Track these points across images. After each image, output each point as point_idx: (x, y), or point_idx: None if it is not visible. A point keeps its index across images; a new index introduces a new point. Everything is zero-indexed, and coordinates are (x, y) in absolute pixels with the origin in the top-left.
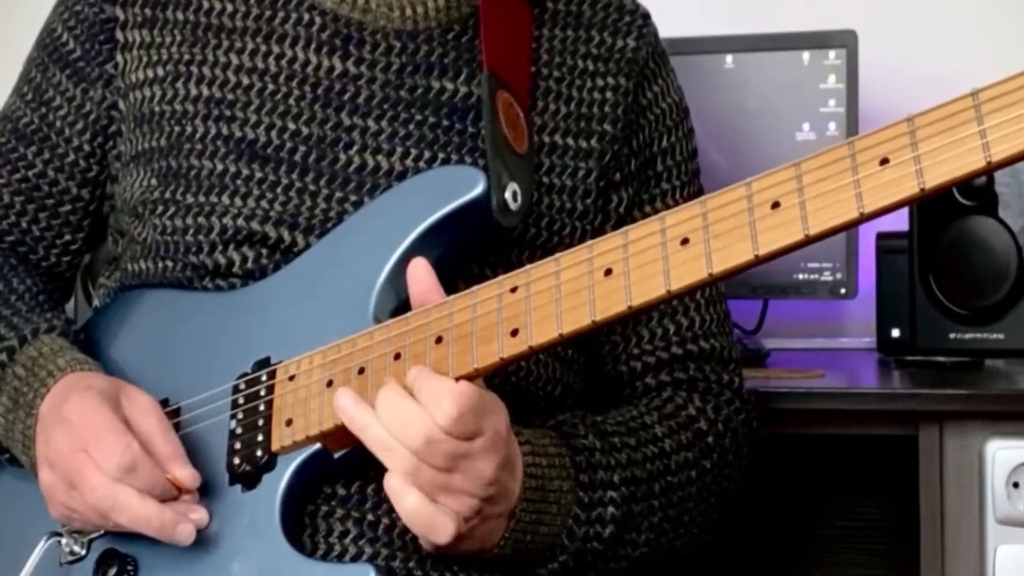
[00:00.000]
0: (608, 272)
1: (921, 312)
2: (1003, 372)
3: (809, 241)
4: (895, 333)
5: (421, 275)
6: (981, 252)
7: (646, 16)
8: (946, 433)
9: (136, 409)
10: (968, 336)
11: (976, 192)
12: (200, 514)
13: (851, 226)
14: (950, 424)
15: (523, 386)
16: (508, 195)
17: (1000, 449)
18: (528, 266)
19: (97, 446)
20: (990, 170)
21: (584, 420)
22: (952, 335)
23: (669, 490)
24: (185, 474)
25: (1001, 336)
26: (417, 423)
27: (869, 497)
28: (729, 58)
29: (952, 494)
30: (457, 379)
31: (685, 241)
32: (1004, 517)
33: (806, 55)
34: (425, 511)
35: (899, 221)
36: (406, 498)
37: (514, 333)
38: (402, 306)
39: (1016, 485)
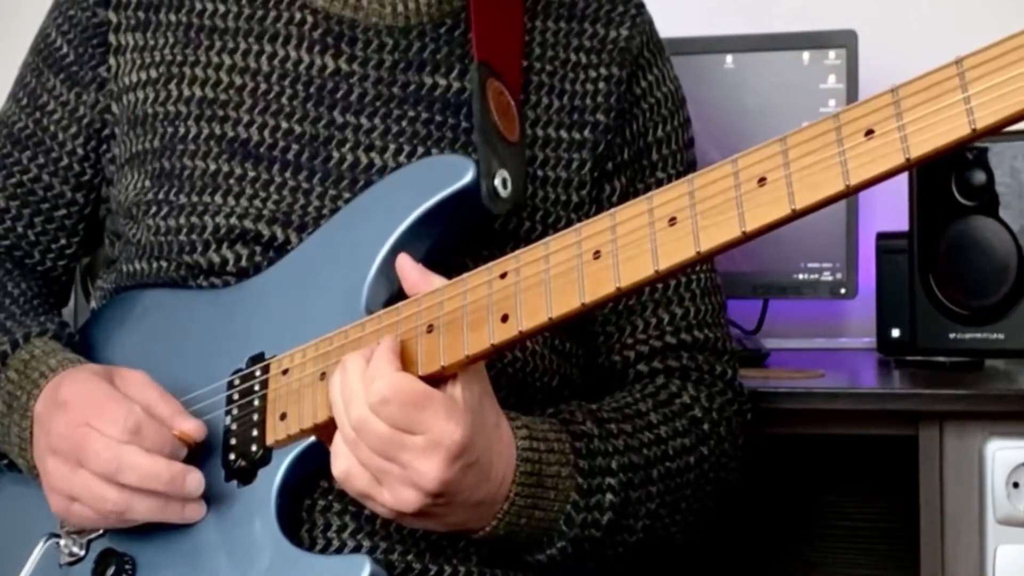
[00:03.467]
0: (597, 254)
1: (921, 312)
2: (1003, 372)
3: (796, 215)
4: (895, 333)
5: (408, 271)
6: (981, 252)
7: (640, 6)
8: (946, 433)
9: (130, 383)
10: (968, 336)
11: (976, 192)
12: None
13: (838, 198)
14: (950, 424)
15: (520, 377)
16: (498, 182)
17: (1000, 449)
18: (517, 251)
19: (99, 417)
20: (975, 137)
21: (581, 407)
22: (952, 335)
23: (667, 476)
24: (191, 426)
25: (1001, 336)
26: (358, 399)
27: (869, 497)
28: (729, 58)
29: (952, 494)
30: (445, 367)
31: (672, 220)
32: (1004, 517)
33: (806, 55)
34: (357, 481)
35: (899, 221)
36: (337, 459)
37: (504, 319)
38: (395, 297)
39: (1016, 485)
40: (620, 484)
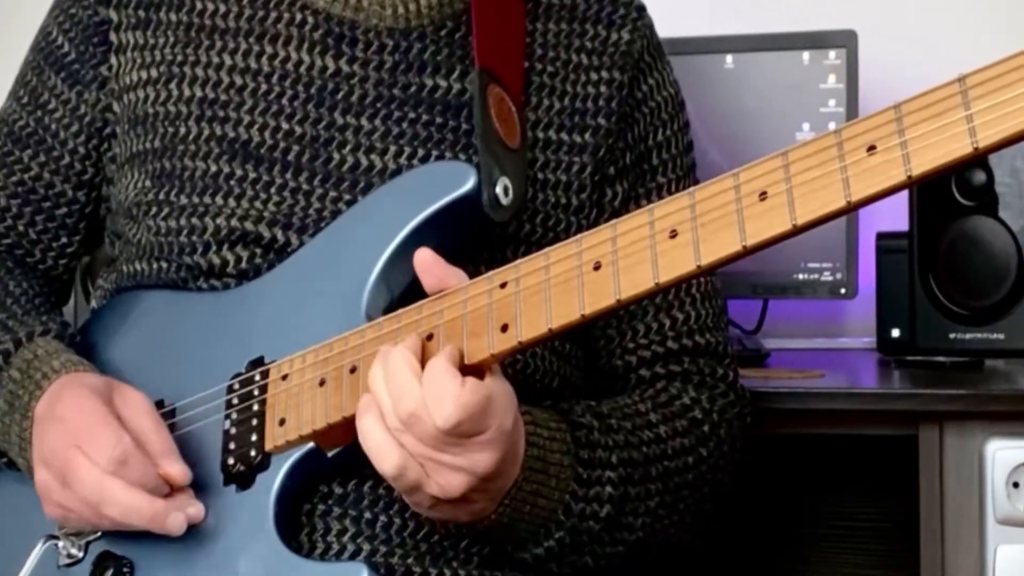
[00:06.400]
0: (597, 266)
1: (921, 312)
2: (1003, 372)
3: (797, 231)
4: (895, 333)
5: (431, 265)
6: (981, 252)
7: (641, 8)
8: (946, 433)
9: (128, 406)
10: (968, 336)
11: (976, 192)
12: (196, 508)
13: (839, 214)
14: (950, 424)
15: (520, 379)
16: (499, 189)
17: (1000, 449)
18: (518, 261)
19: (89, 441)
20: (977, 156)
21: (580, 402)
22: (952, 335)
23: (666, 475)
24: (176, 470)
25: (1001, 336)
26: (411, 395)
27: (869, 497)
28: (729, 58)
29: (952, 494)
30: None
31: (673, 233)
32: (1004, 517)
33: (806, 55)
34: (376, 437)
35: (899, 221)
36: (387, 456)
37: (504, 328)
38: (395, 304)
39: (1016, 485)
40: (619, 478)
